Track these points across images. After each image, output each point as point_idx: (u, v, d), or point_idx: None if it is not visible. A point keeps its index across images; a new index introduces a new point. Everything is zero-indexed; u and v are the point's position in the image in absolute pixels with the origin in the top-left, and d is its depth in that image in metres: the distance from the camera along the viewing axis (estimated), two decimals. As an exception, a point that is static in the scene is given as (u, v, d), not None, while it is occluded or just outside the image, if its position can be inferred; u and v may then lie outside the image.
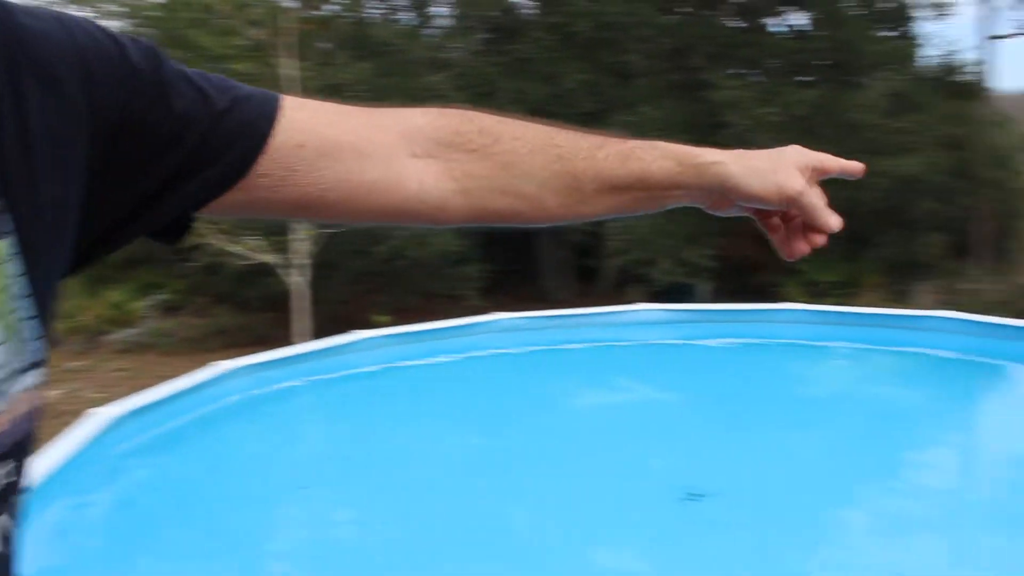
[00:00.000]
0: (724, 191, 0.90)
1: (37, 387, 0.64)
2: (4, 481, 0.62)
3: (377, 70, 13.33)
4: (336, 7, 15.36)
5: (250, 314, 13.21)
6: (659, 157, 0.88)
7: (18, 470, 0.64)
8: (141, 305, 14.13)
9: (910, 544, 4.88)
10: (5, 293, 0.60)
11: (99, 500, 5.63)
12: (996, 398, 8.67)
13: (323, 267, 12.06)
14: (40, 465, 4.69)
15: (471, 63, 15.73)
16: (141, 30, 12.79)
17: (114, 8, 14.02)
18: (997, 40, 15.63)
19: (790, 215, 0.94)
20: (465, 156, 0.83)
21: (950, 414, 7.79)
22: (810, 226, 0.93)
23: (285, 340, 10.70)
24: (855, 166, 0.98)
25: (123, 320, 13.80)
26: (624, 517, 5.22)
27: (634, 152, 0.88)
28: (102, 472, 5.70)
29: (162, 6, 14.42)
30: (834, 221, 0.93)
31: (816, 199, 0.92)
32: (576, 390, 8.24)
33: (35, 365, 0.63)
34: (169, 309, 13.75)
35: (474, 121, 0.85)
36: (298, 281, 11.86)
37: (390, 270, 12.81)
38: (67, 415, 6.59)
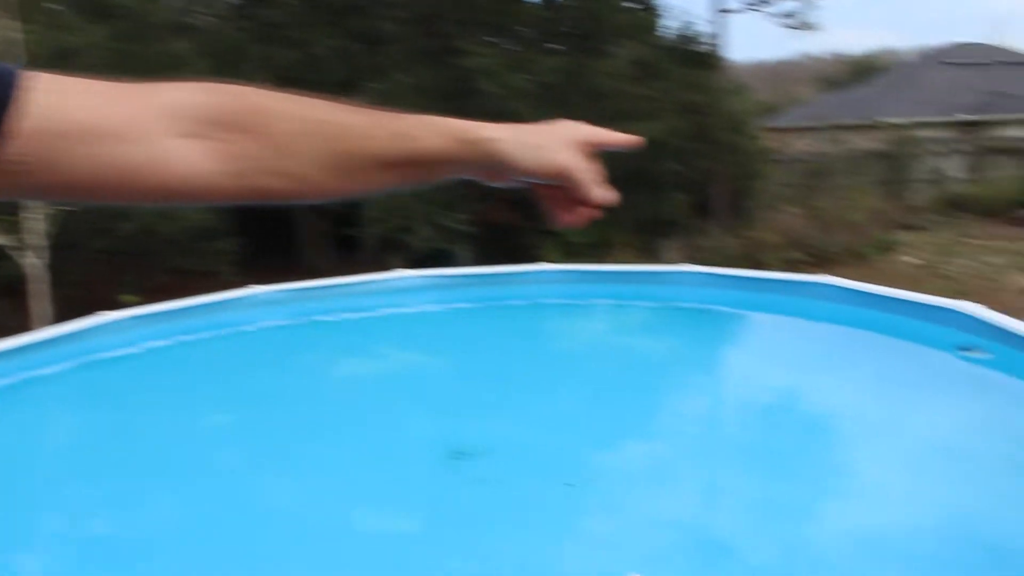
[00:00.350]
0: (499, 167, 0.92)
1: None
2: None
3: (114, 34, 12.50)
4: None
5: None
6: (435, 134, 0.88)
7: None
8: None
9: (668, 487, 5.16)
10: None
11: None
12: (738, 344, 9.32)
13: (62, 247, 11.27)
14: None
15: (218, 29, 15.08)
16: None
17: None
18: (727, 14, 16.66)
19: (565, 187, 0.96)
20: (233, 136, 0.78)
21: (698, 361, 8.30)
22: (582, 199, 0.97)
23: (22, 327, 9.94)
24: (630, 139, 1.02)
25: None
26: (392, 481, 5.24)
27: (410, 129, 0.87)
28: None
29: None
30: (605, 195, 0.97)
31: (587, 174, 0.95)
32: (338, 360, 8.16)
33: None
34: None
35: (243, 98, 0.81)
36: (34, 263, 11.02)
37: (137, 248, 12.13)
38: None
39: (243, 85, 0.82)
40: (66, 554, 4.77)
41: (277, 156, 0.80)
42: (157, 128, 0.75)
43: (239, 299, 8.92)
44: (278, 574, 4.17)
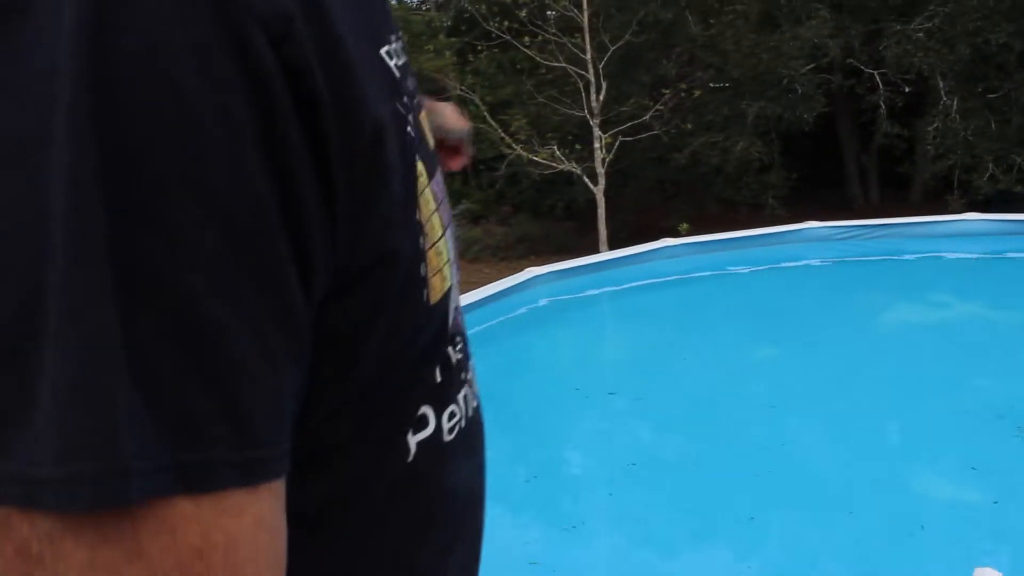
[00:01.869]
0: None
1: None
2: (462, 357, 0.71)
3: None
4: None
5: (551, 222, 13.50)
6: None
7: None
8: (448, 214, 14.75)
9: None
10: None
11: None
12: None
13: (618, 175, 12.05)
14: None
15: None
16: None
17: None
18: None
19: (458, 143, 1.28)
20: None
21: None
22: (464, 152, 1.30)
23: (585, 248, 10.87)
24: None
25: (430, 229, 14.47)
26: (947, 444, 4.88)
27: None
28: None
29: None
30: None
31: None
32: (892, 305, 7.81)
33: None
34: (473, 218, 14.29)
35: None
36: (596, 189, 11.94)
37: (687, 178, 12.62)
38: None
39: None
40: (607, 455, 5.16)
41: None
42: None
43: (794, 232, 8.94)
44: (797, 515, 4.14)
